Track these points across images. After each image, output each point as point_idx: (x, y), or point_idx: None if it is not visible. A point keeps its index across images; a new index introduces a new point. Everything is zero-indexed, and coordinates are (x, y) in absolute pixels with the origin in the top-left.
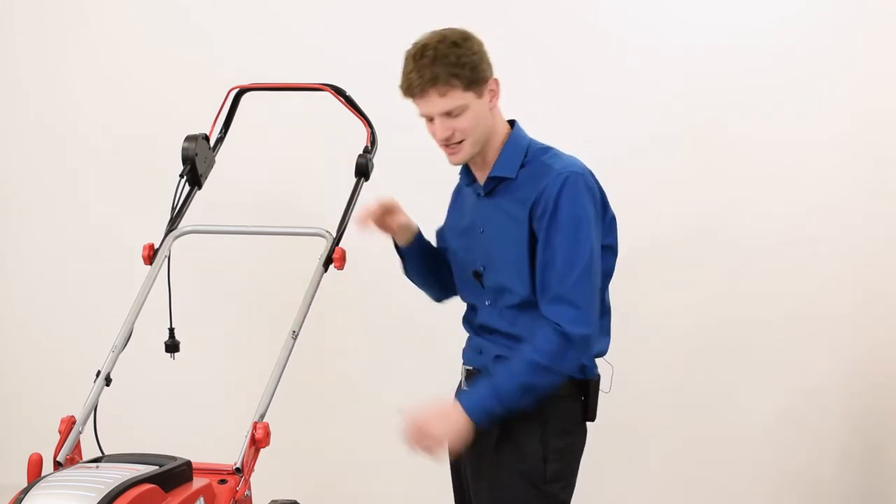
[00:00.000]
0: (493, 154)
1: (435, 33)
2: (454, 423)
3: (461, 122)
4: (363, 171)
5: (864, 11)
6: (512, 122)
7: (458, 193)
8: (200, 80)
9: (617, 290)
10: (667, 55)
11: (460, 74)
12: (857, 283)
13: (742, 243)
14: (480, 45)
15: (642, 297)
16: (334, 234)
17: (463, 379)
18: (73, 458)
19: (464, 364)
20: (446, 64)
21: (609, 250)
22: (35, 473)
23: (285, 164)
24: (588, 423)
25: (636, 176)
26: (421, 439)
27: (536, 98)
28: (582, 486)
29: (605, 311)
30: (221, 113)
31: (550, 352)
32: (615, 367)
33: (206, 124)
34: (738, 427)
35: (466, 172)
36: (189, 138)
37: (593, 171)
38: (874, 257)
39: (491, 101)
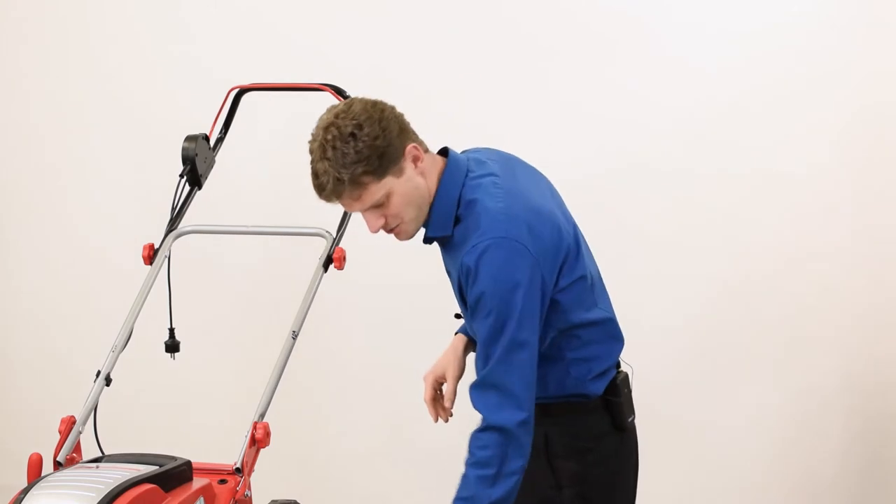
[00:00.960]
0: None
1: (328, 124)
2: None
3: (391, 209)
4: None
5: (864, 12)
6: (445, 151)
7: None
8: (200, 80)
9: (617, 292)
10: (663, 56)
11: (367, 169)
12: (858, 284)
13: (742, 244)
14: (383, 119)
15: (642, 299)
16: (334, 234)
17: None
18: (73, 458)
19: None
20: (347, 164)
21: (581, 280)
22: (35, 473)
23: (285, 164)
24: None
25: (637, 177)
26: None
27: (534, 98)
28: None
29: (600, 322)
30: (221, 113)
31: (490, 457)
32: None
33: (206, 124)
34: (737, 428)
35: None
36: (189, 138)
37: (590, 173)
38: (874, 259)
39: (416, 166)
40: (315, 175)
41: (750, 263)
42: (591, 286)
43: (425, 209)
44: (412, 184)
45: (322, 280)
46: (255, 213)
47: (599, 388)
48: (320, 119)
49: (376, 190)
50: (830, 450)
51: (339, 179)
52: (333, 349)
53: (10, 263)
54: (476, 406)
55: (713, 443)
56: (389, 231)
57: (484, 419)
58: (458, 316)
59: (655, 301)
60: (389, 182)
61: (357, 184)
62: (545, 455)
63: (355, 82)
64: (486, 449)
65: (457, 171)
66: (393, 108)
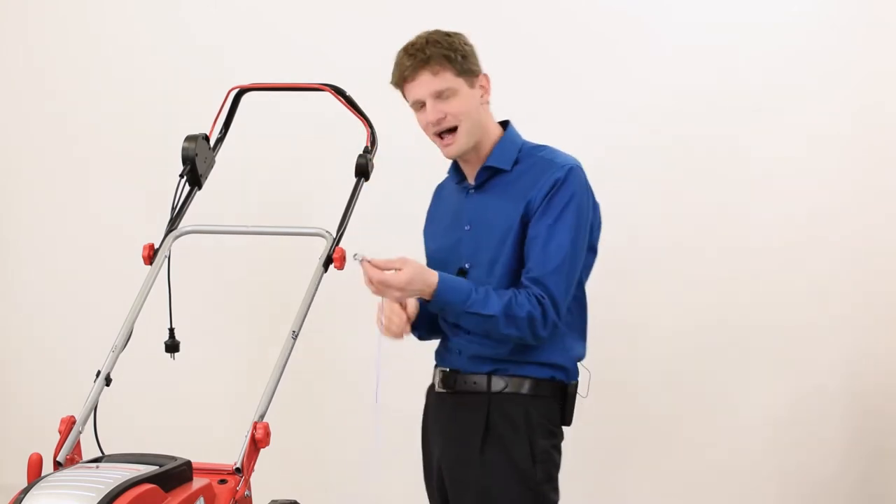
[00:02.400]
0: (486, 151)
1: (434, 31)
2: (422, 285)
3: (452, 106)
4: (363, 171)
5: (864, 12)
6: (505, 124)
7: (437, 198)
8: (200, 80)
9: (619, 293)
10: (664, 56)
11: (452, 58)
12: (858, 284)
13: (742, 245)
14: (470, 43)
15: (643, 300)
16: (334, 234)
17: (437, 381)
18: (73, 458)
19: (438, 366)
20: (438, 47)
21: (592, 251)
22: (35, 473)
23: (285, 164)
24: (587, 427)
25: (635, 178)
26: (386, 284)
27: (532, 99)
28: (588, 487)
29: (582, 311)
30: (221, 113)
31: (529, 312)
32: (616, 370)
33: (206, 124)
34: (739, 429)
35: (456, 170)
36: (189, 138)
37: (590, 173)
38: (874, 258)
39: (482, 96)
40: (399, 61)
41: (749, 264)
42: (591, 266)
43: (477, 134)
44: (476, 102)
45: (322, 280)
46: (255, 213)
47: (576, 375)
48: None
49: (451, 79)
50: (830, 450)
51: (427, 56)
52: (333, 349)
53: (10, 263)
54: (535, 292)
55: (713, 443)
56: (444, 137)
57: (541, 298)
58: (461, 271)
59: (654, 302)
60: (461, 83)
61: (439, 64)
62: (526, 432)
63: (355, 82)
64: (530, 304)
65: (517, 135)
66: None
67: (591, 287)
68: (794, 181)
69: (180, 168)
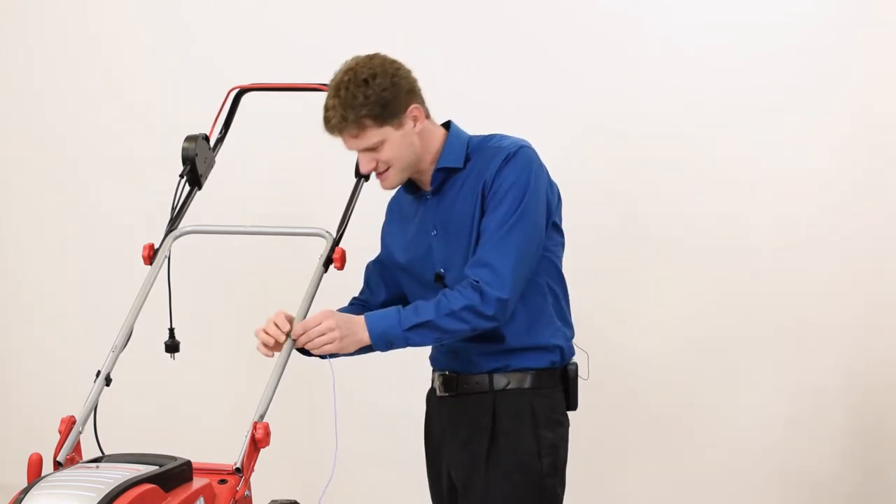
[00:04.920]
0: (430, 165)
1: (348, 67)
2: (353, 334)
3: (383, 154)
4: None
5: (864, 12)
6: (448, 124)
7: (392, 212)
8: (200, 81)
9: (618, 294)
10: (664, 56)
11: (370, 114)
12: (859, 286)
13: (742, 245)
14: (396, 76)
15: (645, 301)
16: (334, 234)
17: (438, 385)
18: (73, 458)
19: (436, 370)
20: (354, 106)
21: (556, 228)
22: (35, 473)
23: (285, 164)
24: (587, 429)
25: (635, 178)
26: (315, 333)
27: (531, 99)
28: (589, 488)
29: (564, 293)
30: (221, 113)
31: (463, 301)
32: (617, 369)
33: (206, 124)
34: (739, 429)
35: (410, 183)
36: (189, 138)
37: (590, 173)
38: (875, 261)
39: (415, 126)
40: (325, 109)
41: (749, 264)
42: (563, 246)
43: (412, 165)
44: (407, 139)
45: (322, 280)
46: (255, 213)
47: (572, 351)
48: (344, 63)
49: (374, 135)
50: (830, 450)
51: (344, 117)
52: None
53: (10, 263)
54: (471, 276)
55: (713, 443)
56: (378, 175)
57: (475, 282)
58: (438, 276)
59: (655, 301)
60: (387, 131)
61: (358, 125)
62: (531, 425)
63: None
64: (465, 294)
65: (461, 132)
66: (409, 71)
67: (590, 288)
68: (794, 181)
69: (180, 168)
